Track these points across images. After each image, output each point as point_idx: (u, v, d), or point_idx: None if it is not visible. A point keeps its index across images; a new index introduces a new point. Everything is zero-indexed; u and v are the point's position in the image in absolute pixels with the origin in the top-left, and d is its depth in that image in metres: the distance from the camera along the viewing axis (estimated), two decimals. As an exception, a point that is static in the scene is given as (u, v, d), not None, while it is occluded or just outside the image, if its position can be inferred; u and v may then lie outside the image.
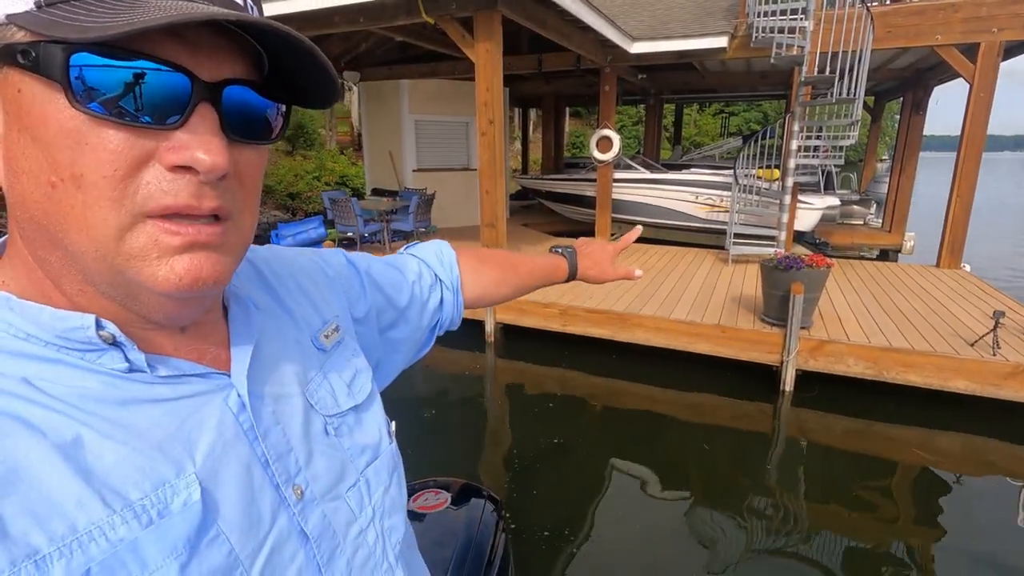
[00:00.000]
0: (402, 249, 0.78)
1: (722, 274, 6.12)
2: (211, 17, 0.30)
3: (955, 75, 6.22)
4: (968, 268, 6.27)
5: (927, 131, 9.31)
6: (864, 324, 4.43)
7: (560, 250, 0.91)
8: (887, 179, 10.33)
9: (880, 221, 10.09)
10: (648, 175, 8.73)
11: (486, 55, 4.66)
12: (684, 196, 8.33)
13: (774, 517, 2.92)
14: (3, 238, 0.40)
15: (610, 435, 3.83)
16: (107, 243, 0.33)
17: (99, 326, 0.36)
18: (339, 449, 0.49)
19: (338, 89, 0.40)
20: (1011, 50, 6.10)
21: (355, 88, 10.93)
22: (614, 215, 8.38)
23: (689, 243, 8.19)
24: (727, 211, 7.16)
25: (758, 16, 6.07)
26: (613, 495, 3.11)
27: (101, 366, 0.36)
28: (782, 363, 4.19)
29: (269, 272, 0.55)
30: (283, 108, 0.41)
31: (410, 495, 1.52)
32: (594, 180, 8.40)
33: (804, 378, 4.21)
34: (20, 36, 0.31)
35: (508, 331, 5.37)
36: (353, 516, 0.48)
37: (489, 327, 5.26)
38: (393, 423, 0.59)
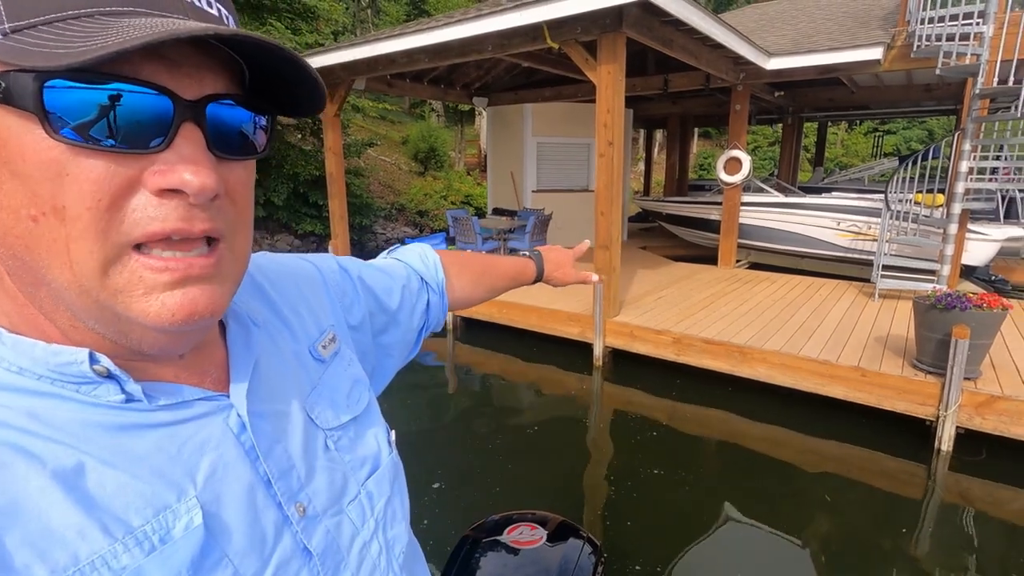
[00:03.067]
0: (385, 253, 0.78)
1: (865, 310, 5.44)
2: (191, 34, 0.29)
3: None
4: None
5: None
6: (1053, 380, 3.67)
7: (527, 253, 0.94)
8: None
9: (1082, 257, 8.38)
10: (782, 199, 8.07)
11: (608, 77, 4.64)
12: (823, 222, 7.57)
13: (919, 599, 2.48)
14: None
15: (721, 475, 3.53)
16: (91, 278, 0.32)
17: (93, 360, 0.35)
18: (340, 463, 0.48)
19: (323, 94, 0.38)
20: None
21: (484, 112, 11.46)
22: (741, 240, 7.86)
23: (827, 273, 7.41)
24: (875, 240, 6.37)
25: (921, 23, 5.40)
26: (721, 543, 2.85)
27: (97, 398, 0.35)
28: (938, 417, 3.60)
29: (266, 281, 0.54)
30: (268, 120, 0.40)
31: (505, 526, 1.50)
32: (719, 203, 7.95)
33: (967, 438, 3.58)
34: None
35: (617, 356, 5.22)
36: (356, 529, 0.47)
37: (598, 351, 5.15)
38: (392, 432, 0.58)
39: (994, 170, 5.54)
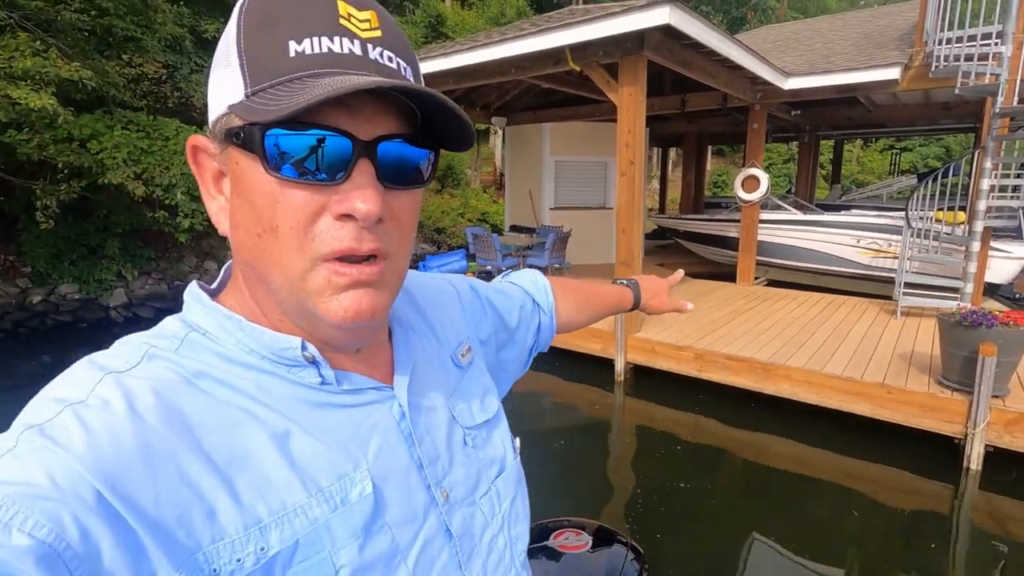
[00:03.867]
0: (500, 276, 0.84)
1: (888, 327, 5.43)
2: (354, 88, 0.35)
3: None
4: None
5: None
6: (1083, 399, 3.64)
7: (624, 282, 0.97)
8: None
9: (1109, 275, 8.25)
10: (801, 216, 8.10)
11: (629, 98, 4.75)
12: (843, 240, 7.57)
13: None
14: (224, 267, 0.49)
15: (747, 491, 3.54)
16: (295, 281, 0.41)
17: (303, 347, 0.44)
18: (475, 459, 0.54)
19: (471, 134, 0.45)
20: None
21: (499, 131, 11.64)
22: (760, 258, 7.87)
23: (847, 291, 7.38)
24: (895, 257, 6.37)
25: (939, 44, 5.46)
26: (748, 558, 2.86)
27: (301, 379, 0.44)
28: (966, 435, 3.58)
29: (419, 295, 0.62)
30: (432, 154, 0.45)
31: (550, 532, 1.53)
32: (738, 221, 7.99)
33: (997, 456, 3.56)
34: (235, 121, 0.39)
35: (639, 372, 5.25)
36: (487, 521, 0.53)
37: (619, 366, 5.19)
38: (517, 439, 0.63)
39: (1016, 188, 5.53)
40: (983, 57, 5.27)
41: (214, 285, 0.49)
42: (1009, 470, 3.53)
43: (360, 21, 0.41)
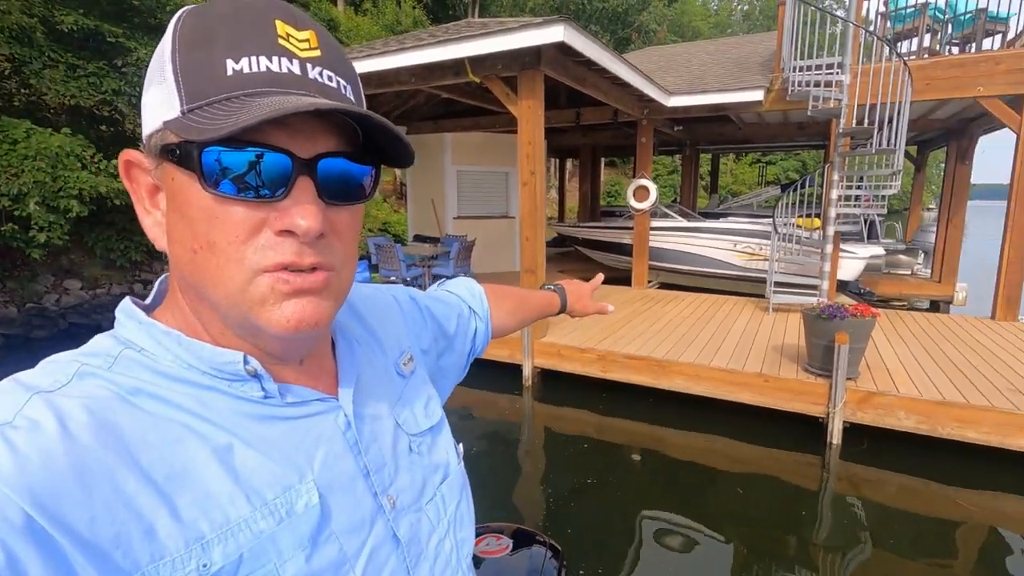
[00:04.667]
0: (436, 284, 0.86)
1: (763, 323, 6.04)
2: (296, 109, 0.36)
3: (1001, 125, 6.16)
4: (1027, 321, 6.01)
5: (975, 179, 9.11)
6: (915, 376, 4.29)
7: (551, 287, 1.03)
8: (934, 228, 10.07)
9: (929, 271, 9.78)
10: (685, 223, 8.79)
11: (528, 111, 4.92)
12: (722, 244, 8.32)
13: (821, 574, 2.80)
14: (158, 281, 0.49)
15: (648, 480, 3.77)
16: (236, 294, 0.41)
17: (246, 361, 0.44)
18: (420, 466, 0.55)
19: (410, 152, 0.46)
20: (1058, 100, 6.02)
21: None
22: (652, 263, 8.43)
23: (728, 291, 8.12)
24: (766, 259, 7.12)
25: (793, 71, 6.21)
26: (652, 543, 3.05)
27: (243, 393, 0.44)
28: (828, 415, 4.08)
29: (361, 306, 0.62)
30: (374, 170, 0.46)
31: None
32: (631, 228, 8.50)
33: (852, 431, 4.08)
34: (171, 138, 0.39)
35: (546, 375, 5.40)
36: (433, 527, 0.54)
37: (527, 371, 5.31)
38: (460, 445, 0.65)
39: (857, 197, 6.41)
40: (828, 84, 6.07)
41: (148, 300, 0.48)
42: (862, 441, 4.06)
43: (299, 41, 0.41)
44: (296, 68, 0.40)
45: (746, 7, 50.27)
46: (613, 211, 14.13)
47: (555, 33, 4.36)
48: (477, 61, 4.93)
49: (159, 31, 8.51)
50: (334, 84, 0.42)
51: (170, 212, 0.42)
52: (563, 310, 1.02)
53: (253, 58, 0.39)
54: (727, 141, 11.86)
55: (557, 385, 5.31)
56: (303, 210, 0.40)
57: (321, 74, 0.42)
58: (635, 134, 7.99)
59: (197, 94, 0.38)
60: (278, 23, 0.40)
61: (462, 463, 0.64)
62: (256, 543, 0.39)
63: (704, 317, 6.28)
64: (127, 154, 0.43)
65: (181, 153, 0.39)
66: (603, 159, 19.55)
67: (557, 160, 16.53)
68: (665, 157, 25.16)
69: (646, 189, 7.79)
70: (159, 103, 0.40)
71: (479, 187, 9.51)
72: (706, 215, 10.37)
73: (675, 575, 2.80)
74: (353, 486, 0.47)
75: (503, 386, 5.34)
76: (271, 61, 0.39)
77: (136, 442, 0.37)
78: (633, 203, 7.95)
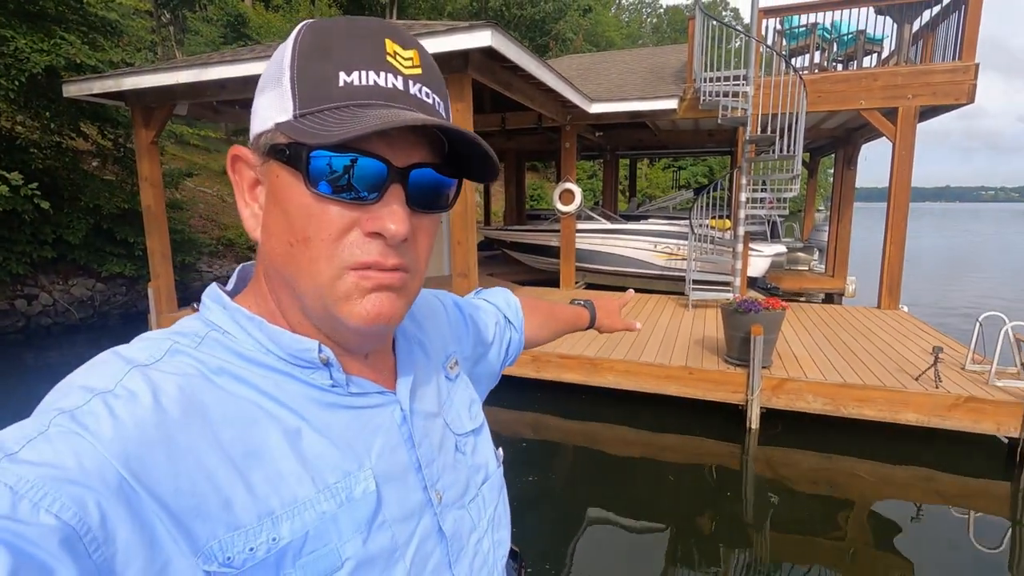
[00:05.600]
0: (474, 293, 0.88)
1: (684, 319, 6.38)
2: (404, 123, 0.40)
3: (880, 134, 6.90)
4: (906, 309, 6.75)
5: (860, 183, 10.14)
6: (819, 362, 4.70)
7: (582, 303, 1.06)
8: (826, 228, 11.09)
9: (823, 267, 10.76)
10: (608, 225, 9.11)
11: (457, 115, 4.91)
12: (643, 245, 8.71)
13: (747, 552, 3.01)
14: (237, 269, 0.52)
15: (584, 475, 3.87)
16: (323, 287, 0.44)
17: (320, 350, 0.46)
18: (464, 465, 0.57)
19: (496, 168, 0.49)
20: (926, 113, 6.84)
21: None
22: (578, 264, 8.66)
23: (650, 290, 8.50)
24: (685, 259, 7.53)
25: (704, 82, 6.63)
26: (594, 535, 3.14)
27: (313, 380, 0.46)
28: (747, 402, 4.38)
29: (416, 310, 0.65)
30: (457, 183, 0.50)
31: None
32: (558, 231, 8.70)
33: (768, 416, 4.41)
34: (281, 139, 0.43)
35: (481, 379, 5.40)
36: (474, 525, 0.56)
37: (462, 375, 5.28)
38: (500, 450, 0.67)
39: (762, 200, 6.95)
40: (735, 95, 6.53)
41: (229, 287, 0.51)
42: (776, 425, 4.39)
43: (404, 59, 0.45)
44: (400, 84, 0.44)
45: (655, 20, 52.92)
46: (538, 214, 14.40)
47: (483, 38, 4.39)
48: (403, 63, 4.86)
49: (40, 18, 7.71)
50: (430, 100, 0.46)
51: (269, 206, 0.45)
52: (592, 325, 1.05)
53: (363, 72, 0.43)
54: (644, 147, 12.43)
55: (493, 388, 5.31)
56: (393, 215, 0.43)
57: (420, 91, 0.45)
58: (559, 139, 8.19)
59: (310, 101, 0.42)
60: (388, 41, 0.44)
61: (501, 467, 0.65)
62: (320, 523, 0.42)
63: (630, 315, 6.53)
64: (235, 149, 0.47)
65: (291, 154, 0.42)
66: (527, 163, 19.88)
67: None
68: (586, 162, 25.96)
69: (571, 192, 8.00)
70: (272, 106, 0.43)
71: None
72: (627, 217, 10.81)
73: (616, 563, 2.90)
74: (406, 477, 0.49)
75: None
76: (379, 76, 0.43)
77: (218, 419, 0.40)
78: (559, 206, 8.14)
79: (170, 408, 0.38)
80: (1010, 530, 3.26)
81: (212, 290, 0.49)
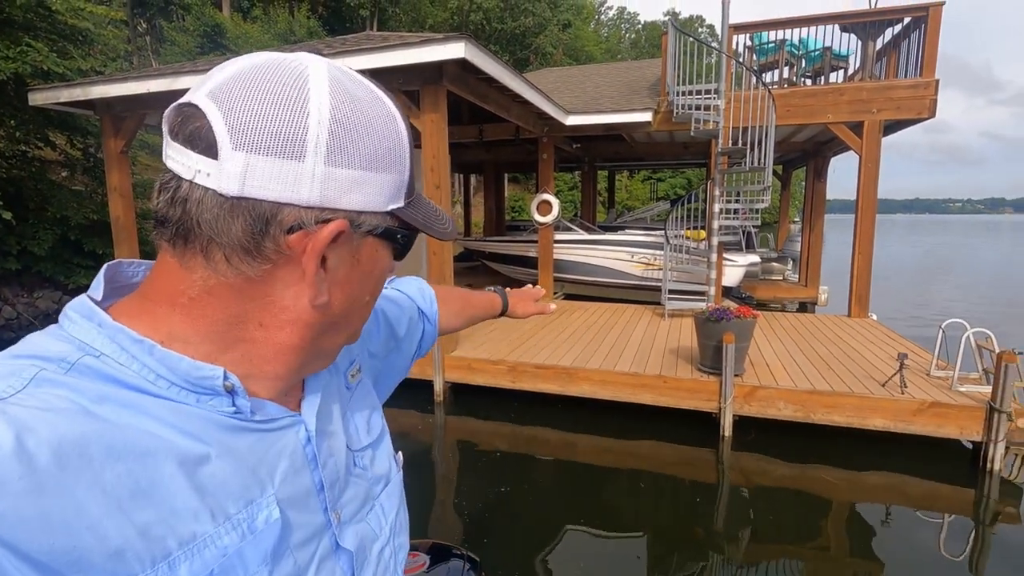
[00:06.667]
0: (387, 282, 0.84)
1: (660, 328, 6.44)
2: (450, 238, 0.53)
3: (848, 147, 7.09)
4: (875, 317, 6.91)
5: (834, 195, 10.39)
6: (790, 370, 4.77)
7: (493, 289, 1.07)
8: (800, 238, 11.32)
9: (797, 276, 10.97)
10: (586, 236, 9.18)
11: (432, 125, 4.92)
12: (620, 255, 8.79)
13: (722, 559, 3.02)
14: (103, 271, 0.45)
15: (559, 485, 3.86)
16: (356, 336, 0.52)
17: (225, 377, 0.42)
18: (364, 479, 0.56)
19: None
20: (890, 127, 7.05)
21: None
22: (556, 274, 8.70)
23: (627, 300, 8.57)
24: (661, 269, 7.61)
25: (678, 95, 6.76)
26: (568, 545, 3.12)
27: (212, 408, 0.42)
28: (720, 409, 4.42)
29: None
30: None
31: None
32: (535, 241, 8.74)
33: (741, 423, 4.45)
34: (391, 221, 0.47)
35: (457, 389, 5.37)
36: (375, 535, 0.55)
37: (438, 387, 5.25)
38: (400, 453, 0.65)
39: (735, 211, 7.08)
40: (707, 108, 6.66)
41: (97, 295, 0.44)
42: (749, 432, 4.44)
43: None
44: None
45: (633, 36, 53.88)
46: (518, 225, 14.45)
47: (456, 50, 4.42)
48: (377, 74, 4.86)
49: (8, 25, 7.55)
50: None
51: (353, 273, 0.47)
52: (504, 311, 1.05)
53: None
54: (622, 159, 12.60)
55: (468, 398, 5.29)
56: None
57: None
58: (536, 151, 8.26)
59: (411, 190, 0.48)
60: None
61: (401, 472, 0.64)
62: (224, 560, 0.39)
63: (607, 325, 6.58)
64: (342, 224, 0.43)
65: (392, 233, 0.47)
66: (507, 175, 19.98)
67: (462, 176, 16.64)
68: (566, 174, 26.19)
69: (549, 203, 8.06)
70: (386, 188, 0.45)
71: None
72: (605, 228, 10.90)
73: (589, 572, 2.88)
74: (308, 500, 0.47)
75: (415, 403, 5.24)
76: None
77: (100, 457, 0.35)
78: (537, 217, 8.19)
79: (37, 452, 0.32)
80: (973, 531, 3.33)
81: (83, 304, 0.42)
